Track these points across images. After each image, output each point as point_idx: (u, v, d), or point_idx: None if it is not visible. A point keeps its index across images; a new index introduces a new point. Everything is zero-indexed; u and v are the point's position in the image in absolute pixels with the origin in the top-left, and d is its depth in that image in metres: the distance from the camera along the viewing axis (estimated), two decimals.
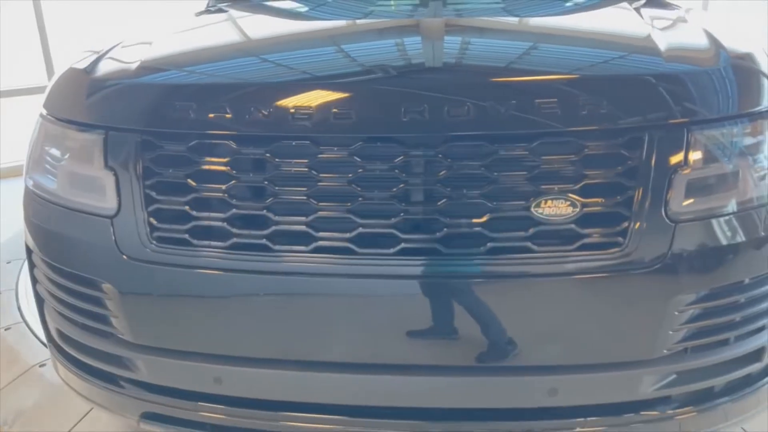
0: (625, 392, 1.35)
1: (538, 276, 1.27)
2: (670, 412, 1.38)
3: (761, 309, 1.40)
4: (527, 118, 1.27)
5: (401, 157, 1.28)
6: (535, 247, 1.26)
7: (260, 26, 1.90)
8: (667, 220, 1.27)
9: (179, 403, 1.45)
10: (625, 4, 1.94)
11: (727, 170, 1.32)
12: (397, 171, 1.28)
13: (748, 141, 1.35)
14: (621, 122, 1.28)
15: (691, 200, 1.29)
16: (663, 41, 1.44)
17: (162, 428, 1.54)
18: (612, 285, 1.28)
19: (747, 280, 1.36)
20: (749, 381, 1.45)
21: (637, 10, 1.82)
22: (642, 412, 1.37)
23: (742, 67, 1.41)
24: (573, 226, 1.26)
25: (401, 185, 1.28)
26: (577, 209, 1.26)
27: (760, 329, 1.42)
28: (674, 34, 1.55)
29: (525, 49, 1.52)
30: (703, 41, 1.48)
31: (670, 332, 1.31)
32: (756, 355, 1.42)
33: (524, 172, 1.27)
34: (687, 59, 1.39)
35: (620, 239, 1.26)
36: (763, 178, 1.35)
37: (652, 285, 1.28)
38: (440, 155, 1.27)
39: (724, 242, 1.31)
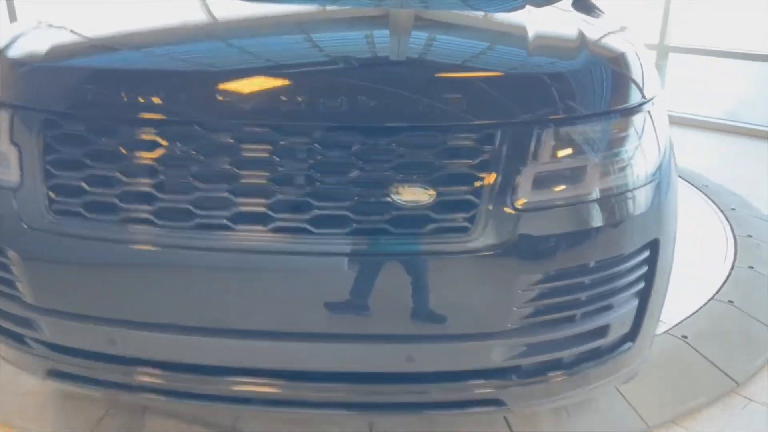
0: (475, 361, 1.50)
1: (397, 255, 1.41)
2: (519, 380, 1.53)
3: (608, 289, 1.55)
4: (390, 111, 1.40)
5: (276, 144, 1.40)
6: (392, 229, 1.40)
7: (164, 13, 1.98)
8: (512, 209, 1.41)
9: (79, 361, 1.58)
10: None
11: (571, 165, 1.46)
12: (271, 155, 1.40)
13: (593, 138, 1.48)
14: (476, 118, 1.41)
15: (535, 191, 1.43)
16: (533, 42, 1.57)
17: (67, 385, 1.68)
18: (462, 265, 1.42)
19: (592, 264, 1.51)
20: (598, 354, 1.61)
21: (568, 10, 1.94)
22: (493, 380, 1.52)
23: (600, 69, 1.54)
24: (427, 211, 1.40)
25: (278, 168, 1.41)
26: (432, 197, 1.40)
27: (607, 308, 1.57)
28: (549, 35, 1.68)
29: (393, 46, 1.64)
30: (570, 43, 1.61)
31: (515, 308, 1.45)
32: (601, 331, 1.58)
33: (386, 161, 1.40)
34: (544, 60, 1.52)
35: (468, 225, 1.40)
36: (605, 173, 1.49)
37: (497, 266, 1.43)
38: (314, 143, 1.40)
39: (565, 229, 1.46)
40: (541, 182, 1.44)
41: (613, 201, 1.50)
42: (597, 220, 1.48)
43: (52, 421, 2.11)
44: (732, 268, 3.12)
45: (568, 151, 1.46)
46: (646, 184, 1.55)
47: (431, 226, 1.40)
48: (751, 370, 2.43)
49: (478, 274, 1.43)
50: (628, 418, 2.19)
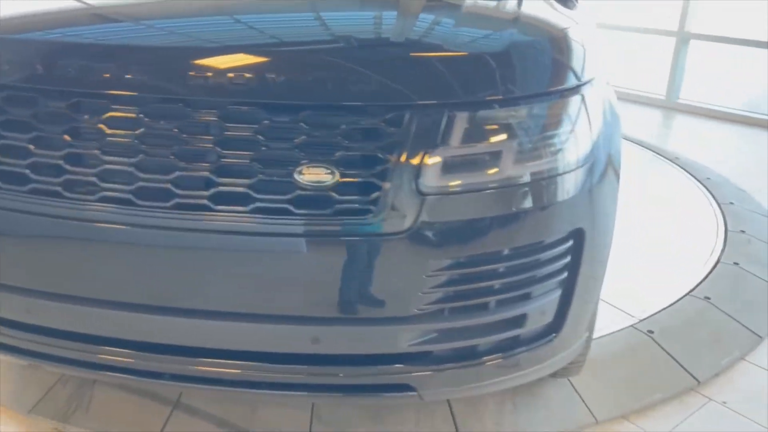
0: (380, 345, 1.47)
1: (298, 236, 1.39)
2: (429, 366, 1.50)
3: (525, 278, 1.50)
4: (297, 89, 1.37)
5: (182, 118, 1.39)
6: (294, 210, 1.38)
7: None
8: (418, 193, 1.37)
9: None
10: None
11: (484, 150, 1.41)
12: (176, 131, 1.39)
13: (512, 123, 1.43)
14: (384, 99, 1.38)
15: (445, 176, 1.38)
16: (452, 23, 1.52)
17: None
18: (365, 248, 1.39)
19: (506, 251, 1.46)
20: (516, 344, 1.57)
21: None
22: (402, 365, 1.49)
23: (526, 51, 1.49)
24: (330, 192, 1.37)
25: (182, 143, 1.39)
26: (335, 177, 1.37)
27: (525, 297, 1.52)
28: (474, 16, 1.62)
29: (301, 22, 1.61)
30: (497, 24, 1.56)
31: (421, 294, 1.42)
32: (518, 321, 1.53)
33: (291, 140, 1.37)
34: (462, 40, 1.47)
35: (372, 207, 1.37)
36: (522, 159, 1.43)
37: (402, 250, 1.39)
38: (220, 119, 1.38)
39: (476, 216, 1.41)
40: (450, 167, 1.39)
41: (530, 188, 1.45)
42: (511, 207, 1.43)
43: (5, 388, 2.16)
44: (716, 264, 3.03)
45: (483, 135, 1.41)
46: (569, 172, 1.49)
47: (334, 208, 1.37)
48: (715, 369, 2.36)
49: (382, 258, 1.40)
50: (577, 412, 2.14)
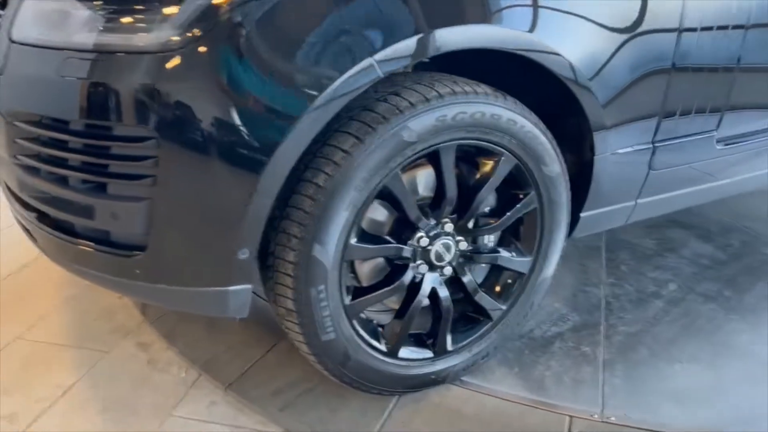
0: None
1: None
2: (45, 228, 1.48)
3: (94, 164, 1.33)
4: None
5: None
6: None
7: None
8: (9, 41, 1.43)
9: None
10: None
11: (56, 9, 1.35)
12: None
13: None
14: None
15: (24, 29, 1.41)
16: None
17: None
18: None
19: (75, 125, 1.32)
20: (99, 240, 1.40)
21: None
22: (26, 213, 1.51)
23: None
24: None
25: None
26: None
27: (96, 187, 1.35)
28: None
29: None
30: None
31: (13, 141, 1.42)
32: (88, 211, 1.37)
33: None
34: None
35: None
36: (95, 27, 1.29)
37: None
38: None
39: (40, 73, 1.35)
40: (31, 21, 1.39)
41: (92, 59, 1.28)
42: (68, 72, 1.30)
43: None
44: None
45: None
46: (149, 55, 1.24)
47: None
48: None
49: None
50: None
